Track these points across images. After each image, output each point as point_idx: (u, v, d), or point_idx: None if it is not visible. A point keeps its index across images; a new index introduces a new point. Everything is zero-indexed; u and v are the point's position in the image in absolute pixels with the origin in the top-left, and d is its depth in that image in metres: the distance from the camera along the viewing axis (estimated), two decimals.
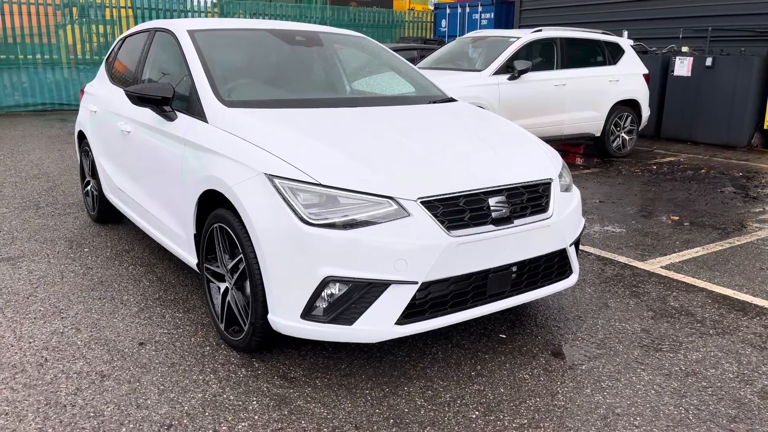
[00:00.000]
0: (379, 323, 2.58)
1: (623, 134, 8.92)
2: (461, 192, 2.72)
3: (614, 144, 8.88)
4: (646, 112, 9.10)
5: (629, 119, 8.89)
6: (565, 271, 3.19)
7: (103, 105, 4.65)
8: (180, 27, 3.81)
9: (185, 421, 2.47)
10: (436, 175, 2.75)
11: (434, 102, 3.91)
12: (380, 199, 2.60)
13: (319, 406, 2.60)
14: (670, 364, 3.01)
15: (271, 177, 2.65)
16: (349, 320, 2.58)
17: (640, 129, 9.18)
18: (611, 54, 8.75)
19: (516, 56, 7.78)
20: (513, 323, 3.42)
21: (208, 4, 15.81)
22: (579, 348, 3.15)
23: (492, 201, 2.80)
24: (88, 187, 5.19)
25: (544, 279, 3.08)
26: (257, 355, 2.99)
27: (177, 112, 3.43)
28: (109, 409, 2.54)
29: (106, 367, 2.87)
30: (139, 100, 3.36)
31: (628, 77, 8.76)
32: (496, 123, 3.61)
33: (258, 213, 2.65)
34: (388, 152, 2.87)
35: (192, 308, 3.52)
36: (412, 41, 15.06)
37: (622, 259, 4.51)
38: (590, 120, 8.46)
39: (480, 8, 16.03)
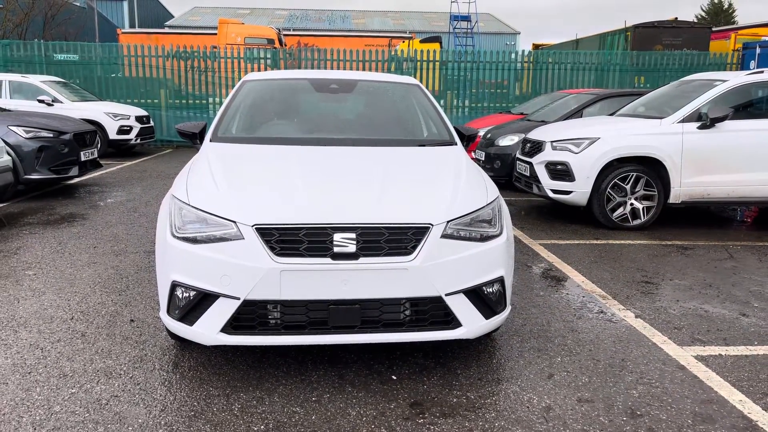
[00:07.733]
0: (209, 329, 2.99)
1: None
2: (302, 224, 2.94)
3: None
4: None
5: None
6: (448, 321, 3.06)
7: None
8: (246, 76, 4.70)
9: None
10: (287, 207, 3.02)
11: (422, 145, 4.02)
12: (226, 222, 3.01)
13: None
14: None
15: (172, 196, 3.29)
16: (191, 321, 3.04)
17: None
18: None
19: (717, 101, 6.73)
20: (423, 367, 3.34)
21: (525, 55, 16.83)
22: (442, 408, 2.98)
23: (338, 236, 2.93)
24: None
25: (413, 324, 3.03)
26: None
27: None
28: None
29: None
30: (180, 134, 4.32)
31: None
32: (434, 167, 3.67)
33: (159, 224, 3.31)
34: (274, 185, 3.24)
35: None
36: None
37: (657, 339, 3.79)
38: None
39: None
